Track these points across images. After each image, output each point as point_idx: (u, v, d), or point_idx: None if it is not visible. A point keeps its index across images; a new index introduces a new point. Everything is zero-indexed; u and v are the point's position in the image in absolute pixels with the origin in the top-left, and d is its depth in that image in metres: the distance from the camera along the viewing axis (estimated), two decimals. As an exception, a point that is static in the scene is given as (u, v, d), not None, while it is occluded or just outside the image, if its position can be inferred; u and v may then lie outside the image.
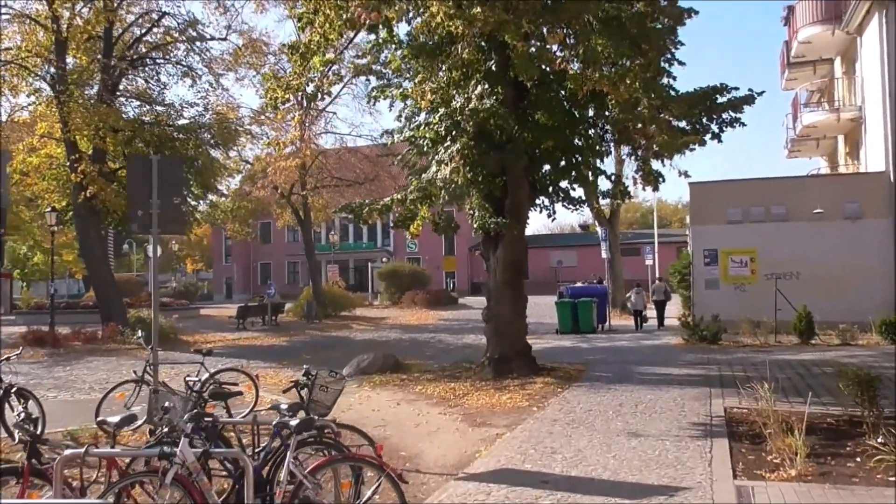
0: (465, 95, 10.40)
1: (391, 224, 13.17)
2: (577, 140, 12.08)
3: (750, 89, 11.48)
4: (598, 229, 29.23)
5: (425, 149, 11.53)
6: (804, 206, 19.39)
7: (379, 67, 12.79)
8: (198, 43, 22.81)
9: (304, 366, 6.49)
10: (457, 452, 7.56)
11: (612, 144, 13.81)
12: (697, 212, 21.13)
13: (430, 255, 57.03)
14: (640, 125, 10.97)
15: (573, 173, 12.80)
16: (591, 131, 12.92)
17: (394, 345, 20.62)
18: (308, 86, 10.97)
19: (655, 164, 12.83)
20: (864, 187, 19.67)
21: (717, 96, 11.34)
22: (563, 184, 13.11)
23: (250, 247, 65.33)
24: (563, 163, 12.37)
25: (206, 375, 9.13)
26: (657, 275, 33.04)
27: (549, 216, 13.54)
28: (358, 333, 24.38)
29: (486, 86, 9.95)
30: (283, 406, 5.39)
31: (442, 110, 10.65)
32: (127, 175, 8.55)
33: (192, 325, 26.29)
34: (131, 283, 43.78)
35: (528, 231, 14.07)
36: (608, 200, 30.04)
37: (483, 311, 13.20)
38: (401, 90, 11.65)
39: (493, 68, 10.79)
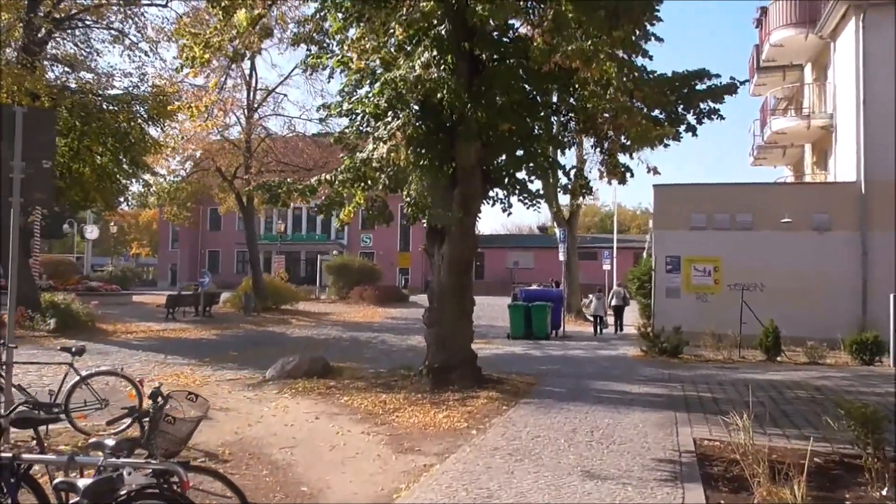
0: (411, 63, 8.94)
1: (314, 208, 11.65)
2: (537, 126, 10.71)
3: (732, 77, 10.28)
4: (557, 230, 28.08)
5: (363, 125, 10.04)
6: (771, 215, 18.46)
7: (322, 38, 11.27)
8: (133, 8, 20.84)
9: (155, 385, 4.94)
10: (371, 490, 6.11)
11: (574, 135, 12.50)
12: (661, 215, 20.03)
13: (385, 250, 55.45)
14: (610, 113, 9.67)
15: (531, 163, 11.46)
16: (554, 118, 11.60)
17: (332, 344, 19.09)
18: (231, 44, 9.41)
19: (623, 158, 11.62)
20: (834, 197, 18.84)
21: (697, 82, 10.10)
22: (521, 175, 11.77)
23: (198, 233, 62.87)
24: (520, 151, 11.01)
25: (76, 380, 7.51)
26: (615, 280, 32.11)
27: (504, 210, 12.21)
28: (296, 329, 22.71)
29: (435, 53, 8.51)
30: (110, 442, 3.89)
31: (383, 78, 9.15)
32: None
33: (117, 313, 24.25)
34: (64, 265, 41.13)
35: (486, 230, 12.82)
36: (568, 201, 29.16)
37: (424, 313, 11.77)
38: (338, 57, 10.10)
39: (445, 34, 9.34)
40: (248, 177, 26.39)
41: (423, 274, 56.06)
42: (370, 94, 9.56)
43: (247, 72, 26.75)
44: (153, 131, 21.56)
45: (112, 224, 51.52)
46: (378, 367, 13.88)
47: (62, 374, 7.65)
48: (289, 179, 11.06)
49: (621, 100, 8.90)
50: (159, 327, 21.29)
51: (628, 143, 10.88)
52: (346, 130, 10.77)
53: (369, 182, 10.16)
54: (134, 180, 23.35)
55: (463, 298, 11.25)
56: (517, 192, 11.79)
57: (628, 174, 11.55)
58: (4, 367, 7.17)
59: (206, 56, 9.73)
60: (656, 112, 10.12)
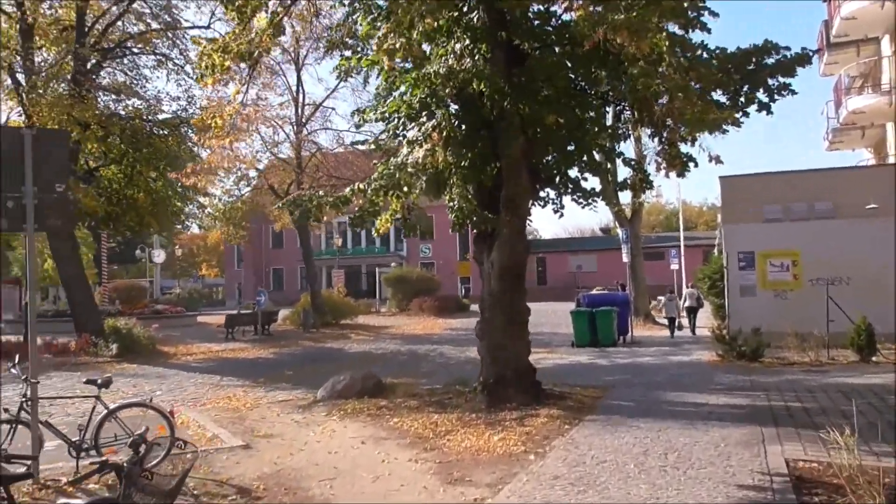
0: (443, 56, 8.23)
1: (348, 221, 11.06)
2: (588, 117, 9.84)
3: (804, 47, 9.19)
4: (619, 231, 26.90)
5: (399, 129, 9.40)
6: (854, 202, 16.98)
7: (356, 42, 10.74)
8: (177, 32, 20.95)
9: (138, 432, 4.35)
10: (413, 532, 5.41)
11: (630, 126, 11.57)
12: (730, 209, 18.74)
13: (444, 260, 54.94)
14: (663, 95, 8.75)
15: (583, 158, 10.61)
16: (606, 109, 10.72)
17: (389, 358, 18.54)
18: (249, 48, 8.93)
19: (684, 148, 10.63)
20: (925, 178, 17.19)
21: (764, 57, 9.03)
22: (573, 172, 10.92)
23: (262, 252, 63.82)
24: (571, 146, 10.17)
25: (104, 413, 7.08)
26: (684, 280, 30.62)
27: (556, 211, 11.35)
28: (354, 345, 22.29)
29: (468, 43, 7.78)
30: (80, 504, 3.32)
31: (415, 73, 8.47)
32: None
33: (179, 335, 24.42)
34: (135, 289, 42.20)
35: (546, 234, 11.96)
36: (628, 198, 27.90)
37: (476, 325, 11.02)
38: (369, 58, 9.47)
39: (478, 22, 8.59)
40: (300, 193, 26.21)
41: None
42: (403, 95, 8.91)
43: (293, 87, 26.73)
44: (203, 153, 21.62)
45: (176, 247, 52.55)
46: (434, 383, 13.21)
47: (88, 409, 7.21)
48: (320, 192, 10.51)
49: (675, 77, 7.97)
50: (219, 348, 21.22)
51: (685, 129, 9.91)
52: (382, 136, 10.16)
53: (405, 189, 9.51)
54: (188, 203, 23.47)
55: (516, 307, 10.45)
56: (570, 190, 10.93)
57: (691, 164, 10.56)
58: (30, 403, 6.79)
59: (227, 63, 9.30)
60: (717, 94, 9.13)
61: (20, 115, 18.67)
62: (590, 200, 10.95)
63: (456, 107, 9.80)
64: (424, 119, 8.51)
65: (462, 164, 9.13)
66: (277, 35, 9.18)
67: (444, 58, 7.93)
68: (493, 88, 8.35)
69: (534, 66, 9.12)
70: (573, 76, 9.57)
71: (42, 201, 6.59)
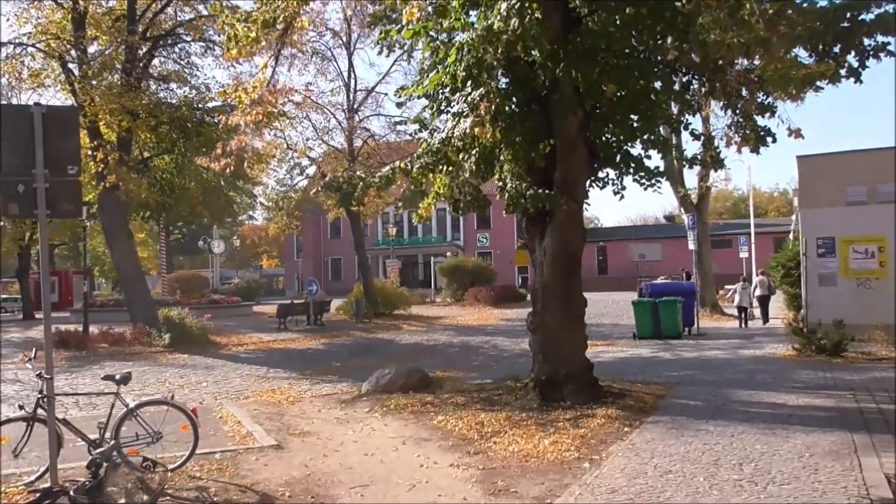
0: (487, 18, 7.41)
1: (397, 204, 10.37)
2: (651, 85, 8.88)
3: (904, -2, 8.02)
4: (685, 217, 25.51)
5: (444, 104, 8.65)
6: (949, 182, 15.39)
7: (399, 15, 10.05)
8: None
9: (96, 453, 3.74)
10: (447, 554, 4.73)
11: (699, 98, 10.53)
12: (808, 191, 17.34)
13: (502, 249, 53.98)
14: (738, 57, 7.75)
15: (647, 133, 9.66)
16: (673, 78, 9.72)
17: (439, 351, 17.92)
18: (276, 16, 8.34)
19: (760, 121, 9.58)
20: None
21: (861, 12, 7.89)
22: (635, 149, 9.99)
23: (320, 242, 64.19)
24: (633, 118, 9.24)
25: (123, 411, 6.62)
26: (754, 269, 28.96)
27: (617, 193, 10.40)
28: (405, 335, 21.76)
29: (516, 2, 6.96)
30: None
31: (463, 36, 7.64)
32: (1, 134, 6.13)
33: (234, 325, 24.41)
34: (196, 280, 42.88)
35: (608, 222, 11.01)
36: (695, 183, 26.46)
37: (528, 317, 10.24)
38: (411, 28, 8.70)
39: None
40: (339, 174, 25.81)
41: (543, 271, 54.06)
42: (447, 67, 8.17)
43: (344, 73, 26.31)
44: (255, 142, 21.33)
45: (234, 238, 53.25)
46: (484, 378, 12.52)
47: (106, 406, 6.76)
48: (359, 172, 9.84)
49: (758, 27, 6.97)
50: (270, 338, 21.01)
51: (764, 97, 8.87)
52: (426, 113, 9.44)
53: (451, 167, 8.77)
54: (240, 193, 23.32)
55: (571, 299, 9.62)
56: (631, 169, 10.00)
57: (768, 139, 9.50)
58: (45, 399, 6.38)
59: (251, 34, 8.75)
60: (800, 52, 8.07)
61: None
62: (653, 180, 9.99)
63: (506, 80, 9.01)
64: (470, 89, 7.74)
65: (514, 138, 8.32)
66: (305, 1, 8.56)
67: (489, 21, 7.14)
68: (545, 53, 7.52)
69: (591, 29, 8.23)
70: (635, 41, 8.62)
71: (54, 185, 6.14)
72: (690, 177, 26.26)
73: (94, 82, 18.19)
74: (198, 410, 6.72)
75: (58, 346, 18.14)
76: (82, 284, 43.97)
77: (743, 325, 21.36)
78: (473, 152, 8.56)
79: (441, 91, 8.84)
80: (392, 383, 11.23)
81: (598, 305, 30.42)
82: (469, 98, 7.64)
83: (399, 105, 10.77)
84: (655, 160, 10.29)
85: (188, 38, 20.83)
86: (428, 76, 8.91)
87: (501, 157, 8.79)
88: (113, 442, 6.37)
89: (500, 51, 7.46)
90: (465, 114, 7.73)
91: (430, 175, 9.00)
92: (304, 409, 10.31)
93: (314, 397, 11.41)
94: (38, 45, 19.22)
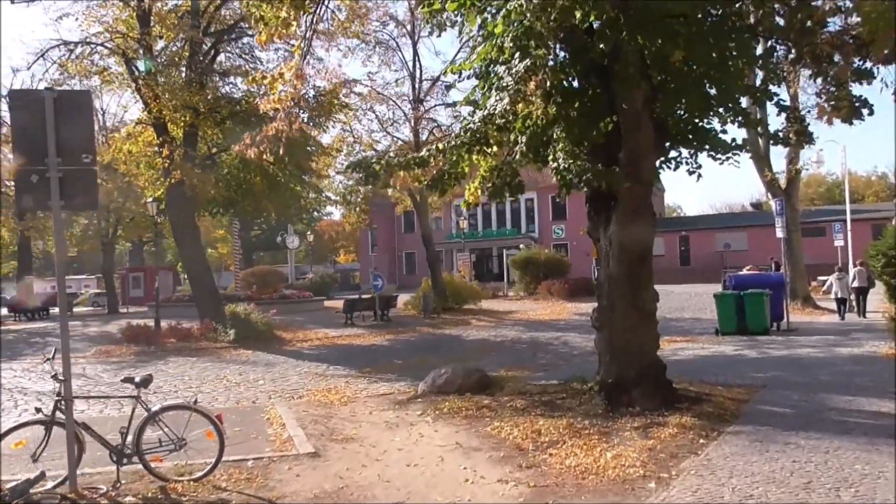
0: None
1: (427, 186, 9.63)
2: (727, 51, 7.83)
3: None
4: (773, 203, 23.73)
5: (493, 80, 7.88)
6: None
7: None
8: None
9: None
10: None
11: (783, 68, 9.37)
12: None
13: (578, 240, 52.37)
14: (830, 15, 6.65)
15: (723, 106, 8.63)
16: (754, 44, 8.64)
17: (506, 348, 17.16)
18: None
19: (856, 90, 8.38)
20: None
21: None
22: (711, 123, 8.95)
23: (394, 236, 64.37)
24: (707, 89, 8.22)
25: (144, 417, 6.20)
26: (850, 258, 26.78)
27: (692, 173, 9.37)
28: (473, 331, 21.09)
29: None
30: None
31: (504, 9, 6.87)
32: (11, 122, 5.80)
33: (302, 320, 24.38)
34: (271, 275, 43.40)
35: (691, 211, 9.95)
36: (783, 166, 24.58)
37: (592, 313, 9.36)
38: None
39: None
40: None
41: (621, 263, 52.29)
42: (495, 38, 7.40)
43: (409, 62, 25.82)
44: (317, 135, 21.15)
45: (308, 233, 53.89)
46: (551, 377, 11.73)
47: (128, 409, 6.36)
48: (391, 152, 9.16)
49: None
50: (335, 334, 20.76)
51: (861, 62, 7.69)
52: (477, 92, 8.67)
53: (492, 147, 8.02)
54: (306, 187, 23.17)
55: (641, 292, 8.69)
56: (706, 146, 8.97)
57: (864, 111, 8.29)
58: (64, 402, 6.05)
59: (281, 14, 8.25)
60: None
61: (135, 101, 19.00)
62: (731, 154, 8.92)
63: (562, 51, 8.16)
64: (518, 62, 6.95)
65: (569, 116, 7.48)
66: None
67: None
68: (605, 19, 6.65)
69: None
70: (707, 3, 7.61)
71: (68, 174, 5.77)
72: (778, 160, 24.48)
73: (160, 79, 18.29)
74: (222, 416, 6.23)
75: (128, 341, 18.52)
76: (168, 280, 45.48)
77: (842, 318, 19.87)
78: (525, 131, 7.76)
79: (491, 67, 8.07)
80: (449, 384, 10.58)
81: (678, 298, 28.93)
82: (513, 71, 6.85)
83: (448, 87, 10.19)
84: (733, 132, 9.20)
85: (251, 33, 20.74)
86: (476, 52, 8.17)
87: (555, 136, 7.94)
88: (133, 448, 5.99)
89: (553, 18, 6.62)
90: (508, 88, 6.94)
91: (473, 157, 8.27)
92: (355, 410, 9.80)
93: (369, 397, 10.92)
94: (105, 45, 19.51)
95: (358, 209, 27.46)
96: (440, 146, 8.19)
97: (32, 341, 21.19)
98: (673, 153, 9.25)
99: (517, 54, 7.01)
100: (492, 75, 8.18)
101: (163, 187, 19.14)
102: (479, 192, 8.86)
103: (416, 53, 25.88)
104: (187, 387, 12.46)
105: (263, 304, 26.04)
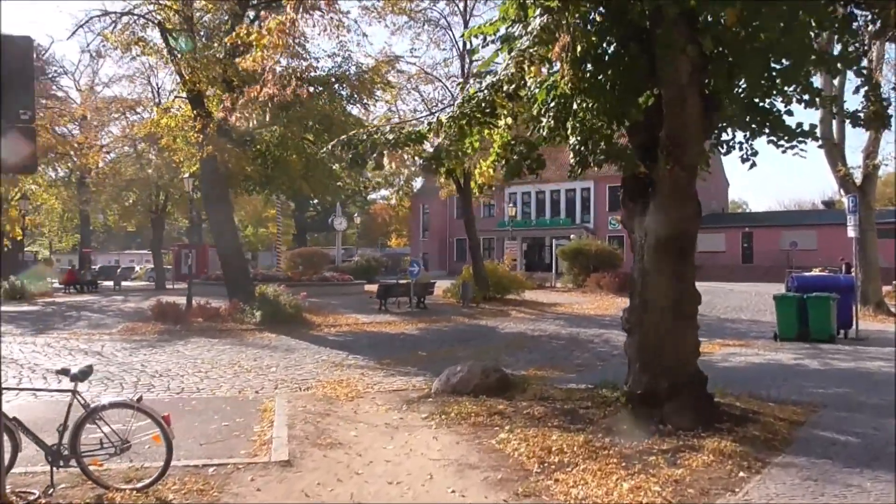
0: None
1: (423, 166, 8.58)
2: (796, 10, 6.54)
3: None
4: (845, 200, 21.81)
5: (513, 43, 6.78)
6: None
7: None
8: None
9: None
10: None
11: (864, 38, 7.96)
12: None
13: (635, 232, 50.54)
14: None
15: (789, 82, 7.34)
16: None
17: (542, 343, 16.08)
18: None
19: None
20: None
21: None
22: (771, 102, 7.67)
23: (446, 222, 63.48)
24: (770, 58, 6.96)
25: (83, 414, 5.43)
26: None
27: (745, 160, 8.11)
28: (511, 323, 20.02)
29: None
30: None
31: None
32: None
33: (336, 304, 23.77)
34: (317, 256, 43.15)
35: (757, 207, 8.56)
36: (859, 160, 22.59)
37: (623, 313, 8.22)
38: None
39: None
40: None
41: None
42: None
43: (460, 43, 24.71)
44: (355, 111, 20.37)
45: (356, 215, 53.50)
46: (581, 380, 10.65)
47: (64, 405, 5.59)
48: (387, 127, 8.09)
49: None
50: (367, 320, 20.01)
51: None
52: (498, 61, 7.59)
53: (503, 120, 6.97)
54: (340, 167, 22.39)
55: (679, 292, 7.51)
56: (766, 129, 7.70)
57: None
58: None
59: None
60: None
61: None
62: (796, 142, 7.63)
63: (599, 12, 7.02)
64: (535, 20, 5.87)
65: (601, 86, 6.33)
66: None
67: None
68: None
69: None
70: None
71: (3, 133, 5.01)
72: (854, 155, 22.48)
73: (198, 54, 17.75)
74: (170, 418, 5.41)
75: (156, 319, 18.17)
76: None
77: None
78: (550, 103, 6.68)
79: (513, 29, 7.00)
80: (464, 383, 9.62)
81: (738, 297, 27.20)
82: (530, 29, 5.77)
83: (471, 53, 9.08)
84: (800, 115, 7.86)
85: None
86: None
87: (576, 107, 6.81)
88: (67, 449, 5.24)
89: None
90: (525, 51, 5.85)
91: (478, 131, 7.22)
92: (358, 408, 8.96)
93: (379, 393, 10.08)
94: (147, 17, 19.10)
95: (400, 192, 26.64)
96: (441, 118, 7.17)
97: (67, 314, 21.16)
98: (725, 135, 7.99)
99: (539, 12, 5.92)
100: (512, 39, 7.11)
101: (197, 162, 18.65)
102: (492, 170, 7.77)
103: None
104: (196, 370, 11.89)
105: (300, 285, 25.55)
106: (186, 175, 20.64)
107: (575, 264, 33.67)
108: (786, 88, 7.52)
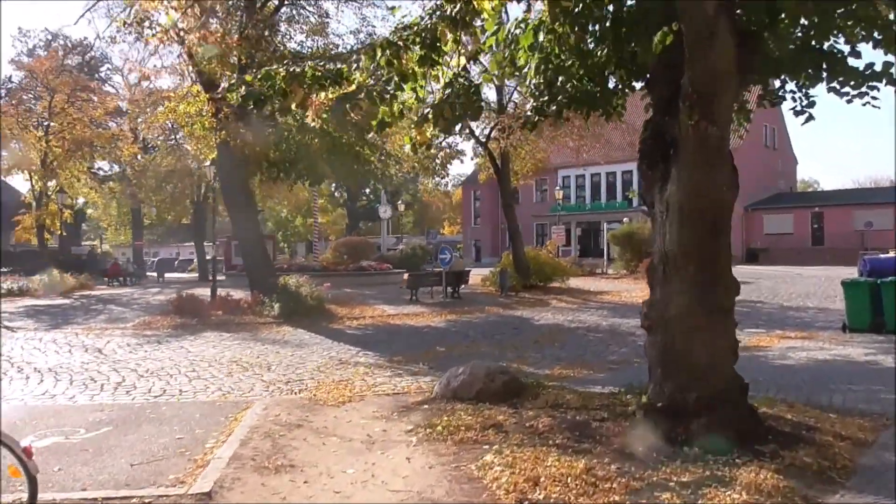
0: None
1: (348, 108, 7.14)
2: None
3: None
4: (926, 172, 19.48)
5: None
6: None
7: None
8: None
9: None
10: None
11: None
12: None
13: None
14: None
15: (851, 17, 5.76)
16: None
17: (578, 336, 14.66)
18: None
19: None
20: None
21: None
22: (833, 41, 6.09)
23: (497, 208, 61.94)
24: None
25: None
26: None
27: (798, 113, 6.53)
28: (549, 314, 18.57)
29: None
30: None
31: None
32: None
33: (368, 294, 22.79)
34: (362, 245, 42.42)
35: (827, 185, 6.78)
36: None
37: (642, 307, 6.76)
38: None
39: None
40: (501, 136, 22.90)
41: (742, 240, 47.57)
42: None
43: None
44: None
45: (400, 203, 52.50)
46: (610, 381, 9.26)
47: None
48: (296, 69, 6.67)
49: None
50: (393, 311, 18.88)
51: None
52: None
53: (445, 53, 5.63)
54: (374, 150, 21.28)
55: (711, 280, 6.02)
56: (823, 72, 6.11)
57: None
58: None
59: None
60: None
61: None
62: (864, 88, 6.02)
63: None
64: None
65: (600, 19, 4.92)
66: None
67: None
68: None
69: None
70: None
71: None
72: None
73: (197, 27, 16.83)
74: (31, 450, 4.29)
75: (175, 313, 17.48)
76: (271, 249, 45.58)
77: None
78: (532, 51, 5.30)
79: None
80: (466, 387, 8.35)
81: (805, 282, 24.99)
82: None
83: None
84: (869, 56, 6.29)
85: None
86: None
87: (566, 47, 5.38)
88: None
89: None
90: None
91: (413, 66, 5.85)
92: (341, 416, 7.81)
93: (375, 396, 8.94)
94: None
95: (435, 176, 25.40)
96: (365, 50, 5.87)
97: (92, 308, 20.78)
98: (769, 82, 6.43)
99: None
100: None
101: (215, 149, 17.85)
102: (434, 125, 6.37)
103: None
104: (190, 369, 10.97)
105: (334, 275, 24.71)
106: (207, 163, 19.88)
107: (627, 249, 31.78)
108: (848, 23, 5.93)
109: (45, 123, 27.17)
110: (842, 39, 6.18)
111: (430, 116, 6.19)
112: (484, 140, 24.26)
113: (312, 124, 7.71)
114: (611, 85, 7.05)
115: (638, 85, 7.12)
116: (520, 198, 59.86)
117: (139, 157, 30.64)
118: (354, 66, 6.36)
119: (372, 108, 6.53)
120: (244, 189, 18.67)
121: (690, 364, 6.08)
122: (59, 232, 29.87)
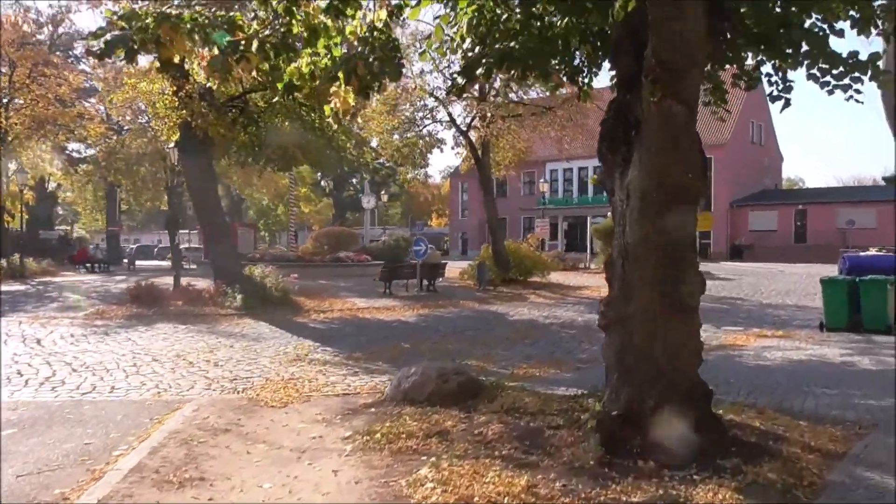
0: None
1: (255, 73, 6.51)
2: None
3: None
4: (912, 169, 19.01)
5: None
6: None
7: None
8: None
9: None
10: None
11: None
12: None
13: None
14: None
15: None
16: None
17: (551, 333, 14.12)
18: None
19: None
20: None
21: None
22: (813, 19, 5.52)
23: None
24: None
25: None
26: None
27: (775, 98, 5.94)
28: (525, 309, 18.00)
29: None
30: None
31: None
32: None
33: (338, 287, 22.10)
34: (344, 236, 41.68)
35: (812, 182, 6.26)
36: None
37: (599, 306, 6.17)
38: None
39: None
40: (482, 125, 22.27)
41: (727, 237, 47.28)
42: None
43: None
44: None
45: (383, 193, 51.73)
46: (577, 382, 8.76)
47: None
48: (174, 10, 5.94)
49: None
50: (365, 304, 18.24)
51: None
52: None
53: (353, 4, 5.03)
54: (350, 138, 20.57)
55: (675, 273, 5.45)
56: (802, 56, 5.52)
57: None
58: None
59: None
60: None
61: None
62: (847, 81, 5.43)
63: None
64: None
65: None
66: None
67: None
68: None
69: None
70: None
71: None
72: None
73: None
74: None
75: (131, 302, 16.78)
76: (249, 237, 44.79)
77: None
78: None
79: None
80: (417, 389, 7.74)
81: (786, 280, 24.60)
82: None
83: None
84: (854, 43, 5.67)
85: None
86: None
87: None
88: None
89: None
90: None
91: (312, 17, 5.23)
92: (277, 420, 7.20)
93: (323, 397, 8.35)
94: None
95: (411, 165, 24.75)
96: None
97: (46, 295, 19.99)
98: (749, 61, 5.83)
99: None
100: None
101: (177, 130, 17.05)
102: (345, 83, 5.70)
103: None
104: (131, 364, 10.28)
105: (310, 266, 24.07)
106: (171, 145, 19.05)
107: (609, 244, 31.19)
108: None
109: (5, 99, 26.13)
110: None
111: (339, 75, 5.51)
112: (465, 129, 23.64)
113: (209, 85, 6.97)
114: (576, 63, 6.50)
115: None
116: (507, 190, 59.44)
117: (107, 138, 29.61)
118: (252, 15, 5.69)
119: (264, 63, 5.84)
120: (207, 173, 17.88)
121: (650, 368, 5.51)
122: (21, 213, 28.86)
